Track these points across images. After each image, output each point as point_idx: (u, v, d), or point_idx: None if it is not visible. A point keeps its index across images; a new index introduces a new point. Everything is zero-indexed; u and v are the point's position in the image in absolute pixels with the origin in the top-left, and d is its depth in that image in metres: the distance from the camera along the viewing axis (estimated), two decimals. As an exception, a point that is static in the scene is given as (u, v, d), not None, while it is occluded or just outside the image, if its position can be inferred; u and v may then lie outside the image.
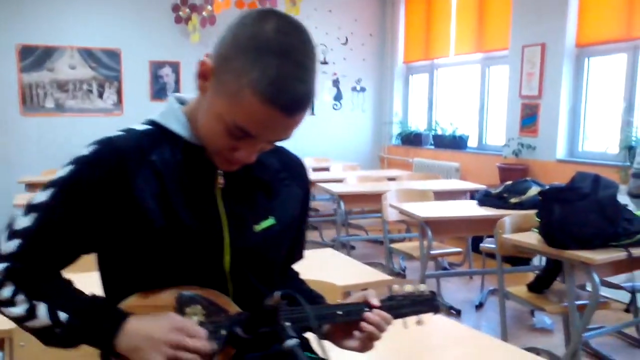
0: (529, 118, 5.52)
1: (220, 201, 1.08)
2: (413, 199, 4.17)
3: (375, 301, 1.14)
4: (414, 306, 1.21)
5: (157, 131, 1.08)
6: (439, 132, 7.01)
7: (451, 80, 7.13)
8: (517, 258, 3.67)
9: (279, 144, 1.13)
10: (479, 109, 6.46)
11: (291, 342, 0.90)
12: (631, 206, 3.29)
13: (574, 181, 2.76)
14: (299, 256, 1.31)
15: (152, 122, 1.10)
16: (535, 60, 5.40)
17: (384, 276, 2.12)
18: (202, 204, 1.06)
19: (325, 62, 7.58)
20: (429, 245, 3.49)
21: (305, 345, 1.22)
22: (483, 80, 6.39)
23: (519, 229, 3.04)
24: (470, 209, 3.75)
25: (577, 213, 2.55)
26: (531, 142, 5.50)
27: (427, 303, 1.23)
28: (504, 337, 3.12)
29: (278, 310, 0.95)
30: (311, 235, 6.48)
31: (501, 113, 5.95)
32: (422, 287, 1.24)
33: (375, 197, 4.20)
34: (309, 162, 6.88)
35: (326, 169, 6.23)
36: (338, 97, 7.75)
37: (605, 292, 3.49)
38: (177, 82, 6.91)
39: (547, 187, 3.57)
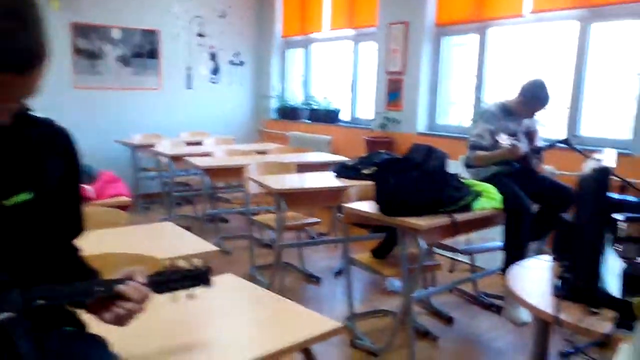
0: (394, 93, 5.77)
1: None
2: (275, 172, 4.24)
3: (139, 277, 1.16)
4: (185, 281, 1.25)
5: None
6: (315, 107, 7.14)
7: (326, 56, 7.26)
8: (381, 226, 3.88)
9: (43, 115, 1.10)
10: (350, 84, 6.64)
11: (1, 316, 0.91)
12: (467, 175, 3.58)
13: (409, 152, 2.94)
14: (77, 230, 1.29)
15: None
16: (400, 38, 5.63)
17: (210, 247, 2.16)
18: None
19: (201, 35, 7.40)
20: (283, 217, 3.57)
21: (67, 318, 1.22)
22: (355, 56, 6.56)
23: (363, 198, 3.19)
24: (326, 180, 3.89)
25: (409, 182, 2.73)
26: (396, 116, 5.76)
27: (200, 277, 1.28)
28: (350, 300, 3.30)
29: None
30: (185, 210, 6.40)
31: (371, 88, 6.16)
32: (197, 262, 1.28)
33: (240, 171, 4.22)
34: (183, 137, 6.76)
35: (198, 143, 6.14)
36: (215, 70, 7.63)
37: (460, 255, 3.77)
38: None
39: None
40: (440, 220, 2.72)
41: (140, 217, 6.18)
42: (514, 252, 3.16)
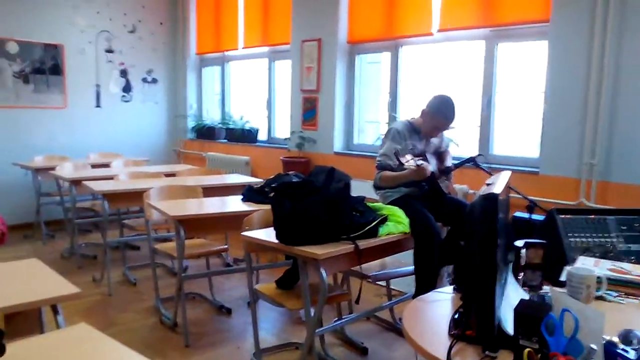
0: (310, 112, 5.63)
1: None
2: (180, 196, 3.97)
3: None
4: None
5: None
6: (232, 126, 6.90)
7: (242, 74, 7.06)
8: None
9: None
10: (266, 103, 6.46)
11: None
12: (377, 197, 3.45)
13: (310, 175, 2.77)
14: None
15: None
16: (314, 55, 5.51)
17: (72, 289, 1.89)
18: None
19: (110, 51, 7.03)
20: (182, 244, 3.31)
21: None
22: (270, 74, 6.40)
23: (265, 223, 2.99)
24: (230, 205, 3.66)
25: (307, 208, 2.54)
26: (312, 135, 5.62)
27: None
28: (256, 335, 3.06)
29: None
30: (94, 236, 5.98)
31: (287, 107, 6.00)
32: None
33: (142, 195, 3.92)
34: (93, 158, 6.35)
35: (106, 165, 5.75)
36: (127, 88, 7.25)
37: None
38: None
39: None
40: (342, 247, 2.55)
41: (44, 246, 5.71)
42: (425, 278, 3.04)
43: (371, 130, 5.47)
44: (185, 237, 3.33)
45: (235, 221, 3.34)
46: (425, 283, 3.06)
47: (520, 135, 4.46)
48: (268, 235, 2.73)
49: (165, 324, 3.70)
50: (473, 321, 1.57)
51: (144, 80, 7.40)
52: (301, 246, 2.51)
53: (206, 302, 4.15)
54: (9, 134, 6.29)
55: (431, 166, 3.09)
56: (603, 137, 3.65)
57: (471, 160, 3.17)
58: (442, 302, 1.94)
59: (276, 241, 2.59)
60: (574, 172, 3.82)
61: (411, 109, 4.93)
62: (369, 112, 5.49)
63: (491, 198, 1.48)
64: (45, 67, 6.50)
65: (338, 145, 5.47)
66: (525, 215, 3.61)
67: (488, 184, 1.77)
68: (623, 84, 3.55)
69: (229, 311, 3.96)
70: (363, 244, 2.63)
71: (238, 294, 4.33)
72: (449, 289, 2.02)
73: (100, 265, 4.64)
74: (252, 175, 6.20)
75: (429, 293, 2.02)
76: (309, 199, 2.56)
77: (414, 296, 3.10)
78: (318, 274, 2.53)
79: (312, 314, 2.63)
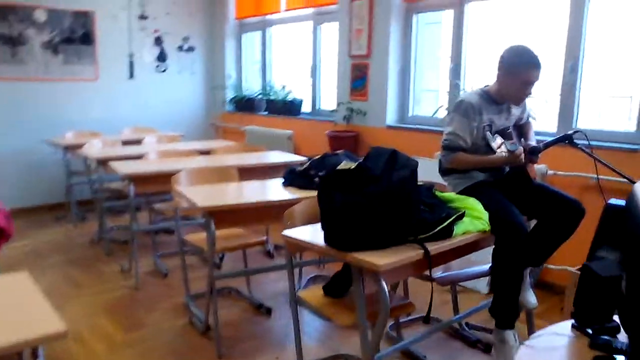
0: (359, 80, 5.01)
1: None
2: (212, 179, 3.47)
3: None
4: None
5: None
6: (273, 98, 6.35)
7: (284, 39, 6.46)
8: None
9: None
10: (311, 71, 5.87)
11: None
12: (445, 184, 2.85)
13: (365, 159, 2.19)
14: None
15: None
16: (364, 16, 4.87)
17: (55, 325, 1.40)
18: None
19: (144, 17, 6.53)
20: (213, 239, 2.81)
21: None
22: (315, 39, 5.78)
23: (312, 218, 2.44)
24: (272, 190, 3.14)
25: (364, 203, 1.98)
26: (362, 106, 5.01)
27: None
28: (299, 345, 2.54)
29: None
30: (124, 220, 5.58)
31: (334, 75, 5.40)
32: None
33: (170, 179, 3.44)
34: (126, 134, 5.94)
35: (138, 142, 5.32)
36: (162, 57, 6.77)
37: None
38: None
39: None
40: (409, 254, 1.99)
41: (74, 229, 5.36)
42: (507, 284, 2.45)
43: (429, 100, 4.81)
44: (217, 228, 2.83)
45: (275, 211, 2.81)
46: (507, 291, 2.48)
47: (610, 105, 3.75)
48: (314, 234, 2.19)
49: (196, 327, 3.24)
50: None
51: (180, 48, 6.90)
52: (357, 252, 1.95)
53: (243, 299, 3.67)
54: (38, 109, 5.92)
55: (520, 148, 2.45)
56: None
57: (566, 137, 2.52)
58: (561, 349, 1.36)
59: (324, 244, 2.05)
60: (687, 151, 3.12)
61: (479, 77, 4.25)
62: (428, 79, 4.83)
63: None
64: (75, 36, 6.07)
65: (391, 117, 4.85)
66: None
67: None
68: None
69: (268, 311, 3.47)
70: (434, 247, 2.06)
71: (279, 289, 3.83)
72: (566, 326, 1.43)
73: (131, 252, 4.23)
74: (295, 152, 5.66)
75: (539, 336, 1.43)
76: (366, 191, 2.00)
77: (492, 305, 2.52)
78: (377, 284, 1.98)
79: (370, 335, 2.09)
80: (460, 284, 3.65)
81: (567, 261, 3.47)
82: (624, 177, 2.40)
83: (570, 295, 3.11)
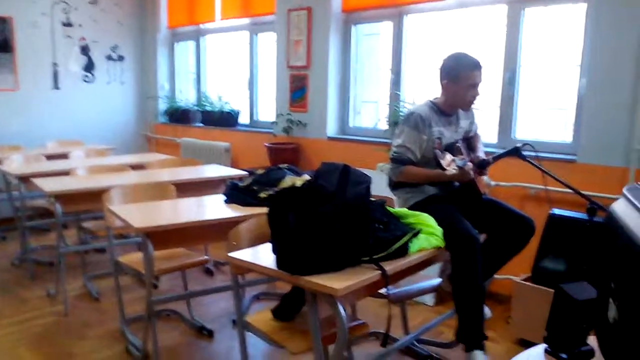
0: (298, 91, 4.92)
1: None
2: (147, 196, 3.26)
3: None
4: None
5: None
6: (209, 108, 6.15)
7: (219, 49, 6.29)
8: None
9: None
10: (248, 82, 5.73)
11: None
12: (395, 200, 2.79)
13: (316, 175, 2.09)
14: None
15: None
16: (302, 27, 4.79)
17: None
18: None
19: (69, 24, 6.18)
20: (151, 261, 2.62)
21: None
22: (252, 49, 5.65)
23: (259, 237, 2.31)
24: (213, 207, 2.98)
25: (319, 223, 1.87)
26: (301, 118, 4.92)
27: None
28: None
29: None
30: (50, 239, 5.19)
31: (272, 86, 5.28)
32: None
33: (101, 196, 3.20)
34: (51, 148, 5.55)
35: (64, 156, 4.98)
36: (89, 67, 6.43)
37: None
38: None
39: (305, 176, 2.95)
40: (366, 276, 1.89)
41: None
42: (470, 303, 2.41)
43: (370, 111, 4.79)
44: (155, 249, 2.64)
45: (218, 230, 2.66)
46: (472, 310, 2.43)
47: (546, 116, 3.83)
48: (263, 255, 2.06)
49: (132, 355, 3.01)
50: None
51: (109, 57, 6.57)
52: (311, 275, 1.84)
53: (183, 322, 3.47)
54: (-48, 121, 5.47)
55: (470, 164, 2.42)
56: (658, 118, 3.04)
57: (515, 151, 2.52)
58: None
59: (275, 267, 1.92)
60: (621, 160, 3.21)
61: (419, 88, 4.25)
62: (367, 90, 4.80)
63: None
64: (-9, 43, 5.65)
65: (332, 129, 4.79)
66: (575, 215, 3.01)
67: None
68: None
69: (210, 334, 3.29)
70: (391, 267, 1.98)
71: (221, 309, 3.65)
72: (539, 351, 1.37)
73: (58, 274, 3.92)
74: (233, 165, 5.50)
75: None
76: (321, 210, 1.89)
77: (458, 330, 2.47)
78: (333, 308, 1.87)
79: (325, 362, 1.98)
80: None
81: (510, 270, 3.49)
82: (571, 188, 2.42)
83: (516, 306, 3.13)
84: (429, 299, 3.69)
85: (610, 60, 3.18)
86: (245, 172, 4.04)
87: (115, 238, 3.51)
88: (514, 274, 3.38)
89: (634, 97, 3.10)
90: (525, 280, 3.11)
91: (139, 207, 2.97)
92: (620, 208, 1.16)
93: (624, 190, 1.24)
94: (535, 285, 2.98)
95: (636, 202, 1.12)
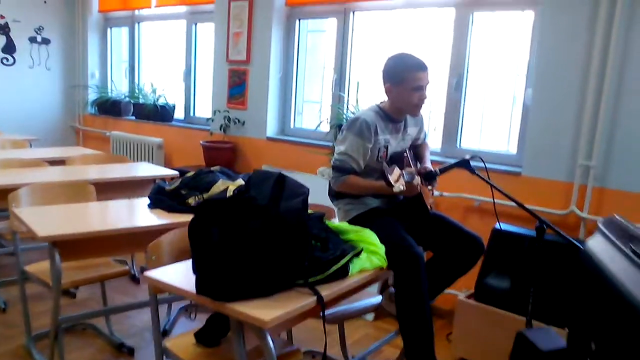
0: (237, 87, 4.65)
1: None
2: (61, 198, 2.92)
3: None
4: None
5: None
6: (142, 101, 5.77)
7: (155, 37, 5.92)
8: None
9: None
10: (184, 74, 5.40)
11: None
12: (335, 211, 2.59)
13: (247, 185, 1.86)
14: None
15: None
16: (243, 18, 4.52)
17: None
18: None
19: (-14, 1, 5.65)
20: (58, 274, 2.31)
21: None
22: (189, 39, 5.32)
23: (183, 250, 2.05)
24: (135, 213, 2.69)
25: (247, 240, 1.64)
26: (240, 115, 4.66)
27: None
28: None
29: None
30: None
31: (210, 80, 4.98)
32: None
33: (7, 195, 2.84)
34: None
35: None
36: (9, 48, 5.91)
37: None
38: None
39: (236, 183, 2.70)
40: (299, 303, 1.67)
41: None
42: (418, 329, 2.22)
43: (312, 111, 4.57)
44: (66, 260, 2.33)
45: (140, 239, 2.38)
46: (421, 333, 2.24)
47: (492, 125, 3.73)
48: (185, 274, 1.81)
49: (37, 377, 2.68)
50: None
51: (33, 40, 6.07)
52: (237, 302, 1.61)
53: (100, 336, 3.15)
54: None
55: (418, 178, 2.24)
56: (604, 134, 2.97)
57: (464, 163, 2.36)
58: None
59: (194, 293, 1.67)
60: (565, 175, 3.14)
61: (363, 89, 4.07)
62: (311, 90, 4.59)
63: None
64: None
65: (272, 128, 4.54)
66: (520, 231, 2.90)
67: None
68: (634, 66, 2.87)
69: (130, 351, 2.98)
70: (328, 292, 1.77)
71: (144, 323, 3.34)
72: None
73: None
74: (166, 162, 5.18)
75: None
76: (250, 226, 1.65)
77: (406, 352, 2.28)
78: (261, 339, 1.65)
79: (251, 398, 1.75)
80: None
81: (453, 285, 3.37)
82: (520, 205, 2.29)
83: (458, 324, 3.00)
84: (368, 314, 3.52)
85: (556, 71, 3.09)
86: (177, 173, 3.74)
87: (26, 242, 3.14)
88: (456, 289, 3.25)
89: (580, 110, 3.03)
90: (468, 297, 2.98)
91: (50, 210, 2.64)
92: (597, 246, 1.00)
93: (600, 225, 1.08)
94: (479, 304, 2.85)
95: (616, 241, 0.96)
